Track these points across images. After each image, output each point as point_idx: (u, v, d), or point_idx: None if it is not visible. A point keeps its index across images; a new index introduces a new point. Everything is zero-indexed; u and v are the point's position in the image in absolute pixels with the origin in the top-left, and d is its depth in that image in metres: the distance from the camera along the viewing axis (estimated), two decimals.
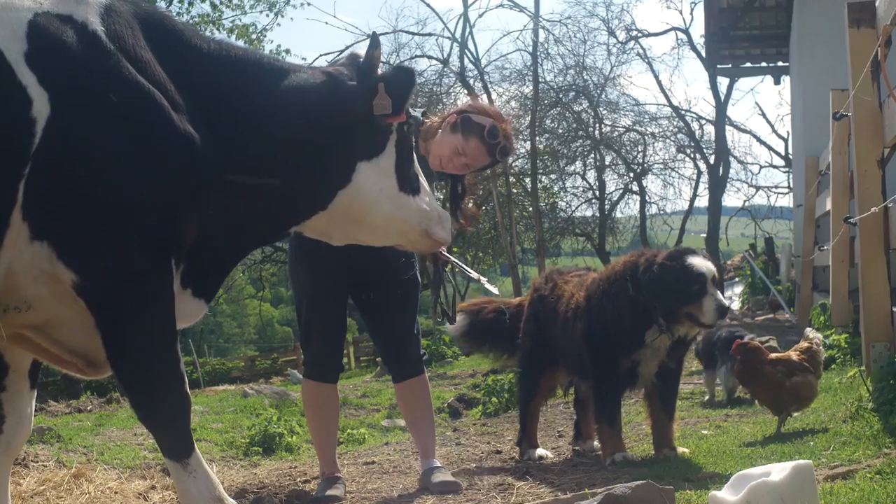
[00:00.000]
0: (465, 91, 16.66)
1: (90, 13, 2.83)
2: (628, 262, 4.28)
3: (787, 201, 23.18)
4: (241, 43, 24.85)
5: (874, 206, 4.37)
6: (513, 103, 21.36)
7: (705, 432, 4.85)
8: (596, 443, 4.64)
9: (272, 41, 27.70)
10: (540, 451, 4.76)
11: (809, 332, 4.63)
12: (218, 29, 25.01)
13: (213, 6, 24.49)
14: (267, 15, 25.80)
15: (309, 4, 20.25)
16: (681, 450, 4.30)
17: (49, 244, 2.70)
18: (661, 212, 23.61)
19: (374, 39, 3.29)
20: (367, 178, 3.20)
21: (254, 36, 24.90)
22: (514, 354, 5.06)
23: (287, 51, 26.33)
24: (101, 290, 2.75)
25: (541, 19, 19.16)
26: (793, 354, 4.56)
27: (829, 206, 7.92)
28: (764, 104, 45.37)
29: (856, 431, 4.00)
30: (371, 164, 3.21)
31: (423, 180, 3.40)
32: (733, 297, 18.99)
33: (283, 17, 23.12)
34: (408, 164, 3.33)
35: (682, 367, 4.58)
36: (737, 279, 21.21)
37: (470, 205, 4.41)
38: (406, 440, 6.09)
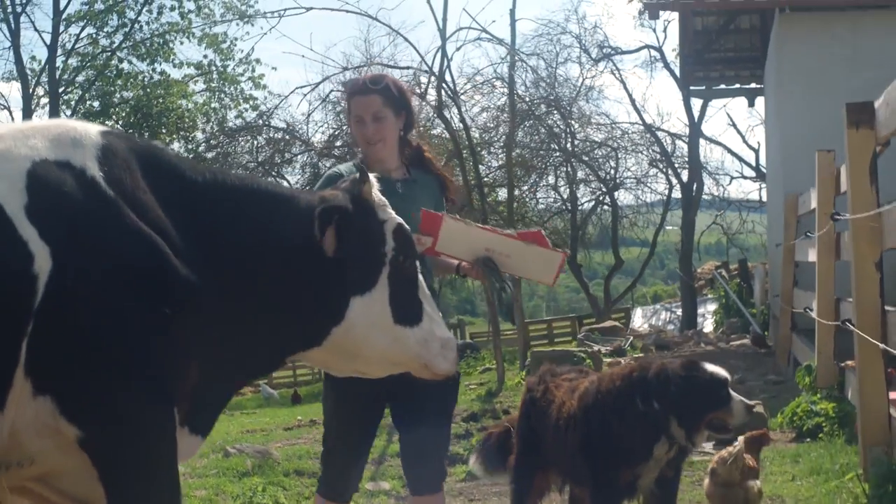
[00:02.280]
0: (443, 124, 16.48)
1: (87, 158, 2.76)
2: (635, 377, 4.21)
3: (758, 218, 23.28)
4: (211, 52, 24.61)
5: (873, 313, 4.35)
6: (485, 115, 21.33)
7: None
8: None
9: (242, 51, 27.32)
10: None
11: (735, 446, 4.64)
12: (188, 38, 24.76)
13: (182, 15, 24.19)
14: (238, 25, 25.52)
15: (282, 16, 19.86)
16: None
17: (52, 399, 2.61)
18: (633, 225, 23.66)
19: (363, 174, 3.16)
20: (360, 313, 3.13)
21: (224, 45, 24.67)
22: None
23: (258, 60, 26.16)
24: (104, 445, 2.68)
25: (518, 52, 19.00)
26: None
27: (812, 258, 7.94)
28: (735, 115, 45.68)
29: None
30: (364, 298, 3.14)
31: (428, 307, 3.28)
32: (706, 314, 18.92)
33: (252, 26, 22.91)
34: (406, 294, 3.24)
35: (681, 475, 4.55)
36: (709, 295, 21.19)
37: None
38: None
